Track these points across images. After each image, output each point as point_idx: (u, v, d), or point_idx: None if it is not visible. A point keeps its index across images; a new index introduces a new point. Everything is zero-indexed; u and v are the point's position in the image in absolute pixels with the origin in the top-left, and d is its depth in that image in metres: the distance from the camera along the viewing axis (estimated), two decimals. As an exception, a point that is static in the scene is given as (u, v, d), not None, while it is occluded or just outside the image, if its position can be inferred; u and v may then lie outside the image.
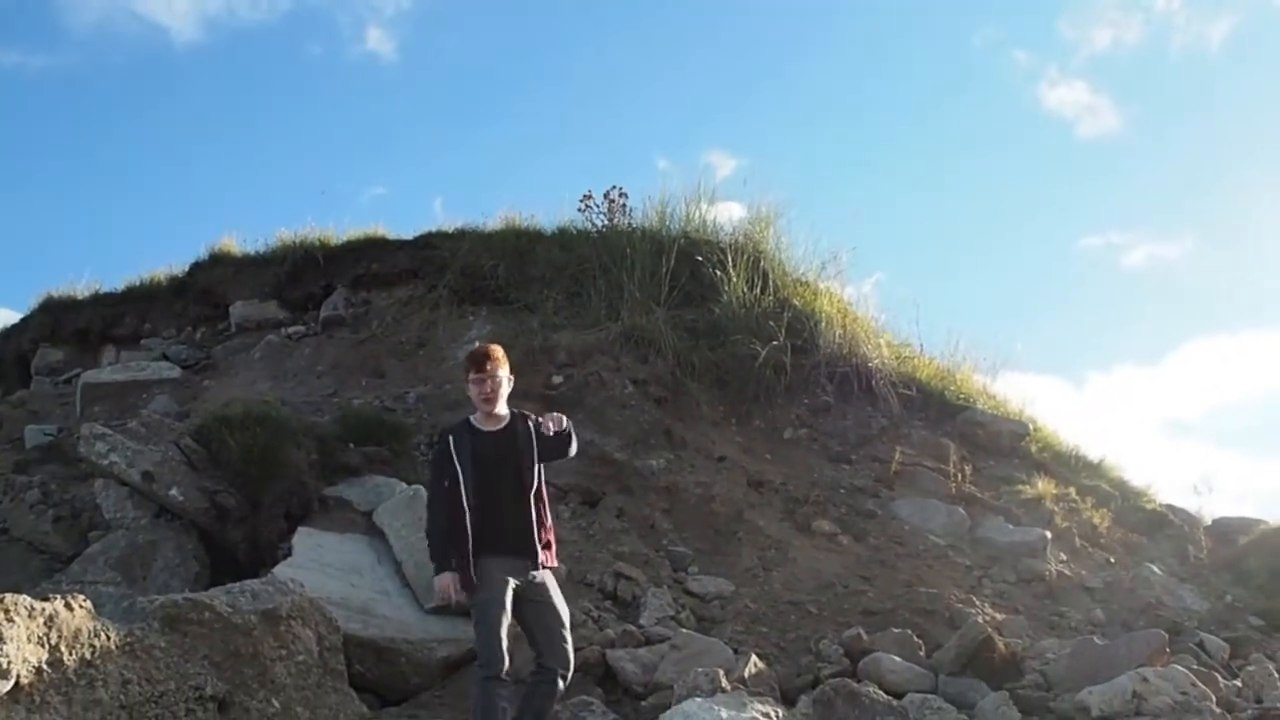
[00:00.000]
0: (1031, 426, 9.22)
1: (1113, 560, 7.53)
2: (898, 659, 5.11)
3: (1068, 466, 8.99)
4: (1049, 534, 7.28)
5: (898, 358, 9.30)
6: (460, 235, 10.37)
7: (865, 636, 5.42)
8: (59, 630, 3.55)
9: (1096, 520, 8.01)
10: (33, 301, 11.78)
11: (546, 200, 16.96)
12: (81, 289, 11.63)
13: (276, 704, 4.15)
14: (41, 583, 5.84)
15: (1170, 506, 8.81)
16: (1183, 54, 35.67)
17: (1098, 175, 35.82)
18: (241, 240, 11.24)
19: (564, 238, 10.07)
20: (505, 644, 4.00)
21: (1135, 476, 9.34)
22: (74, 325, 11.30)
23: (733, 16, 33.63)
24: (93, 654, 3.64)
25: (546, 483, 4.37)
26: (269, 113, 35.28)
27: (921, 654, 5.28)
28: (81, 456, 6.81)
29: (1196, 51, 35.42)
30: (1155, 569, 7.24)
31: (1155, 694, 4.32)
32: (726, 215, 10.26)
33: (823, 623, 5.84)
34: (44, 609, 3.53)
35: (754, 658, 5.04)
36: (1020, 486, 8.06)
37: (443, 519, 4.26)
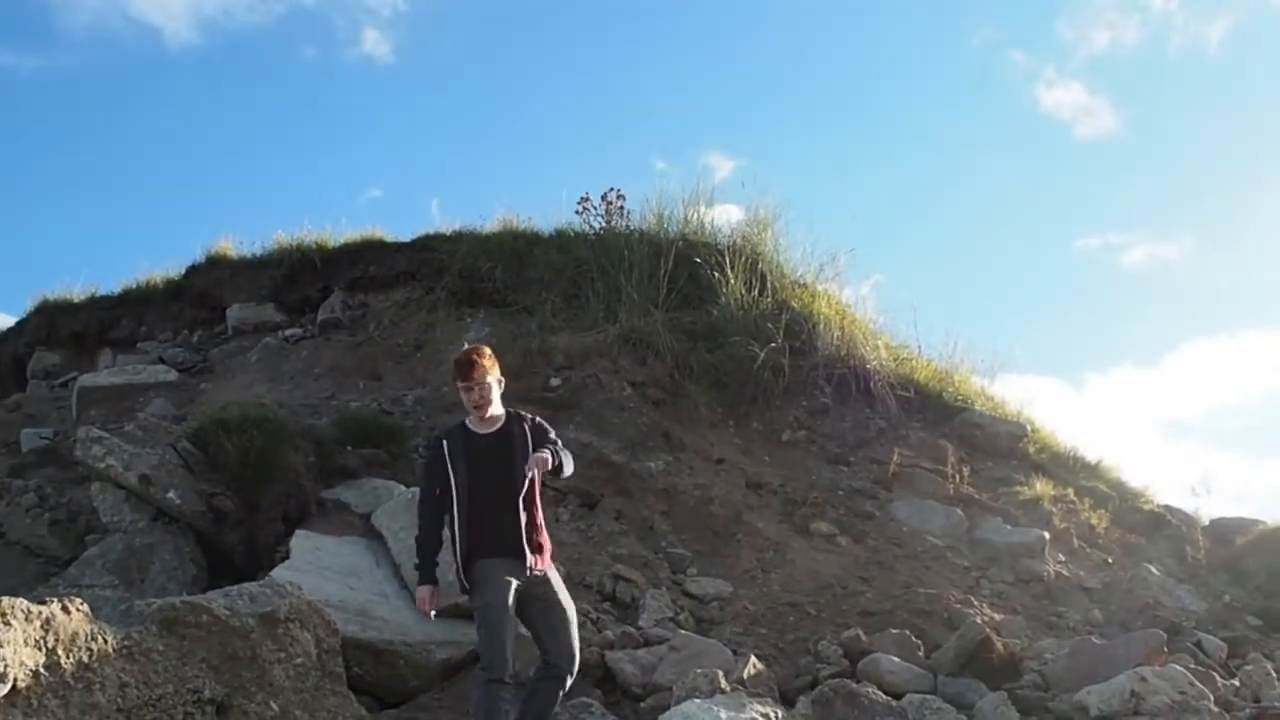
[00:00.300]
0: (1029, 428, 9.23)
1: (1111, 561, 7.54)
2: (896, 659, 5.11)
3: (1066, 467, 9.00)
4: (1047, 535, 7.29)
5: (896, 359, 9.30)
6: (458, 237, 10.37)
7: (864, 637, 5.42)
8: (56, 633, 3.54)
9: (1094, 521, 8.02)
10: (28, 305, 11.77)
11: (544, 202, 16.94)
12: (77, 292, 11.61)
13: (275, 707, 4.14)
14: (38, 586, 5.83)
15: (1168, 507, 8.82)
16: (1181, 54, 35.80)
17: (1096, 176, 35.93)
18: (238, 243, 11.24)
19: (562, 240, 10.06)
20: (509, 646, 3.99)
21: (1133, 477, 9.37)
22: (70, 328, 11.27)
23: (731, 18, 33.72)
24: (90, 657, 3.63)
25: (544, 485, 4.36)
26: (265, 115, 35.28)
27: (920, 654, 5.28)
28: (78, 460, 6.80)
29: (1195, 52, 35.55)
30: (1153, 569, 7.25)
31: (1153, 693, 4.32)
32: (725, 217, 10.25)
33: (821, 624, 5.84)
34: (41, 612, 3.51)
35: (753, 659, 5.04)
36: (1018, 487, 8.07)
37: (429, 528, 4.28)
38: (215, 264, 11.13)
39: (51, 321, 11.41)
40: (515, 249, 9.96)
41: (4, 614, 3.35)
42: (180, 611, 4.07)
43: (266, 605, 4.32)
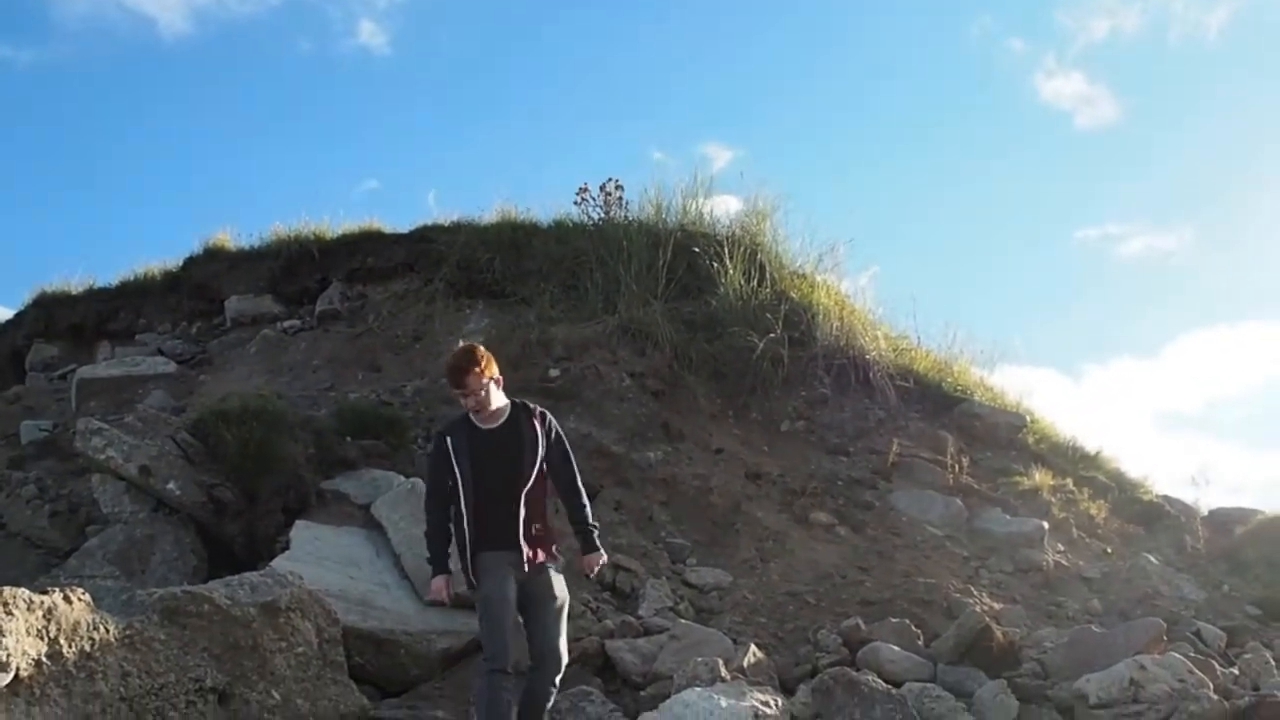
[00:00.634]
0: (1029, 418, 9.25)
1: (1110, 551, 7.56)
2: (896, 648, 5.12)
3: (1065, 458, 9.02)
4: (1046, 525, 7.30)
5: (895, 350, 9.30)
6: (456, 228, 10.35)
7: (863, 626, 5.43)
8: (58, 623, 3.55)
9: (1094, 511, 8.04)
10: (26, 297, 11.76)
11: (542, 193, 16.93)
12: (75, 284, 11.62)
13: (277, 695, 4.16)
14: (39, 577, 5.83)
15: (1167, 498, 8.85)
16: (1181, 42, 35.67)
17: (1094, 166, 35.87)
18: (235, 234, 11.22)
19: (560, 231, 10.05)
20: (510, 637, 4.00)
21: (1132, 468, 9.39)
22: (68, 321, 11.27)
23: (728, 9, 33.60)
24: (92, 646, 3.64)
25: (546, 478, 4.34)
26: (261, 106, 35.13)
27: (920, 643, 5.30)
28: (78, 451, 6.80)
29: (1195, 40, 35.42)
30: (1152, 559, 7.26)
31: (1153, 681, 4.33)
32: (723, 208, 10.26)
33: (821, 613, 5.85)
34: (43, 602, 3.52)
35: (753, 648, 5.05)
36: (1017, 478, 8.08)
37: (436, 523, 4.27)
38: (213, 256, 11.11)
39: (50, 314, 11.40)
40: (514, 240, 9.95)
41: (6, 604, 3.35)
42: (181, 601, 4.08)
43: (267, 595, 4.33)
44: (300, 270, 10.66)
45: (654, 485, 7.18)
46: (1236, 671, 4.96)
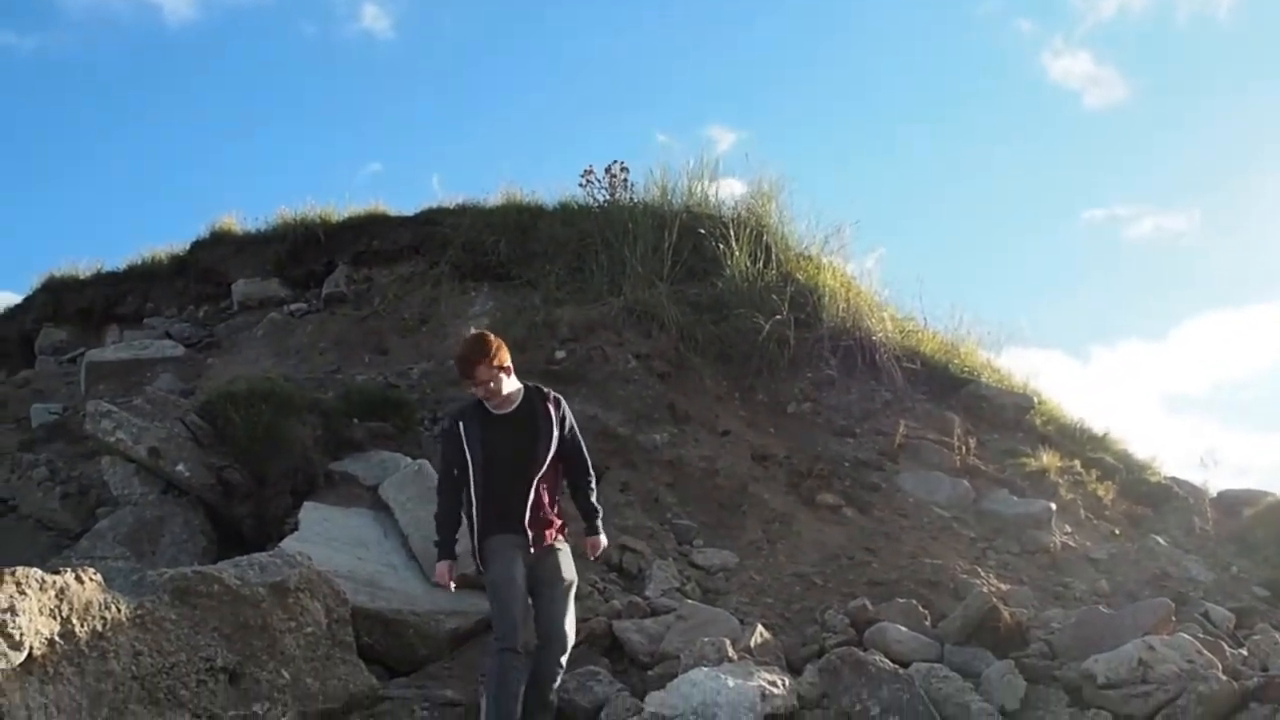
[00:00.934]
0: (1036, 400, 9.22)
1: (1118, 532, 7.55)
2: (903, 629, 5.12)
3: (1072, 439, 8.99)
4: (1054, 506, 7.28)
5: (901, 332, 9.27)
6: (462, 211, 10.34)
7: (870, 607, 5.43)
8: (70, 603, 3.57)
9: (1101, 493, 8.02)
10: (35, 282, 11.81)
11: (547, 176, 16.86)
12: (83, 269, 11.69)
13: (286, 675, 4.18)
14: (51, 559, 5.86)
15: (1175, 479, 8.83)
16: (1190, 21, 35.32)
17: (1102, 147, 35.60)
18: (242, 218, 11.25)
19: (566, 213, 10.02)
20: (519, 617, 4.02)
21: (1140, 450, 9.36)
22: (77, 305, 11.33)
23: (734, -10, 33.28)
24: (104, 626, 3.66)
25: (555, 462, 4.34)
26: (265, 91, 35.09)
27: (927, 624, 5.30)
28: (88, 434, 6.83)
29: (1204, 19, 35.07)
30: (1160, 540, 7.26)
31: (1161, 662, 4.32)
32: (728, 190, 10.19)
33: (828, 594, 5.86)
34: (55, 582, 3.54)
35: (760, 628, 5.05)
36: (1025, 459, 8.06)
37: (448, 507, 4.31)
38: (219, 240, 11.14)
39: (58, 298, 11.46)
40: (519, 222, 9.93)
41: (19, 583, 3.37)
42: (192, 581, 4.10)
43: (277, 575, 4.35)
44: (306, 253, 10.67)
45: (660, 467, 7.18)
46: (1245, 652, 4.94)
